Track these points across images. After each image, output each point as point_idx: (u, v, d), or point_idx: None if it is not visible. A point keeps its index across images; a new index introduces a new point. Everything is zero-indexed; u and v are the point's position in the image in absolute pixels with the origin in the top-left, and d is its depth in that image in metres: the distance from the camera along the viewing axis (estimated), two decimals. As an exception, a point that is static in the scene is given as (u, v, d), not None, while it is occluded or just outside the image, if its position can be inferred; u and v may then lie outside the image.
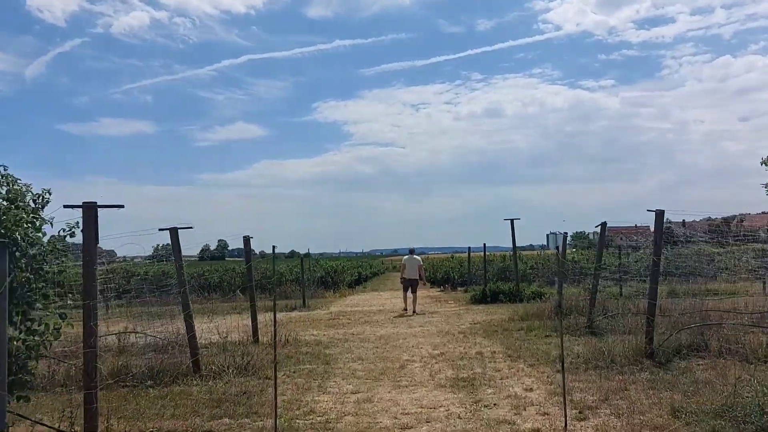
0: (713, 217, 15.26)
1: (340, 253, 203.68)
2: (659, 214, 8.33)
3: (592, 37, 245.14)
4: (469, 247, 25.24)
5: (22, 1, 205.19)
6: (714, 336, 8.44)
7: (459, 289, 26.13)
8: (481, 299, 19.16)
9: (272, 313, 5.61)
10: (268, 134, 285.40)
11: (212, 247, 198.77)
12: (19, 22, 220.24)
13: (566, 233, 14.12)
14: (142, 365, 7.88)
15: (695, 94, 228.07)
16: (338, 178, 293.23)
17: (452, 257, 43.06)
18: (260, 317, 11.02)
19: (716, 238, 12.37)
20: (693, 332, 8.60)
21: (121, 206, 5.22)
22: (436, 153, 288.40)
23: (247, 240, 11.09)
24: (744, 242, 13.09)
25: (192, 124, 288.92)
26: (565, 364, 5.91)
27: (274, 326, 5.72)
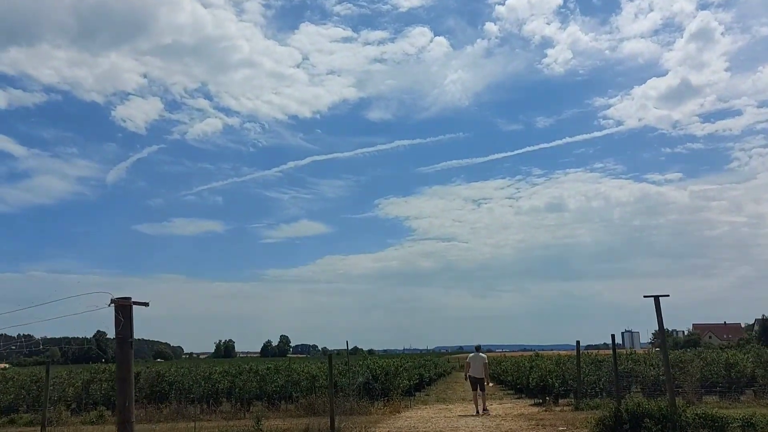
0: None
1: (404, 350, 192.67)
2: None
3: (655, 132, 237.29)
4: (578, 341, 17.55)
5: (107, 113, 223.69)
6: None
7: (561, 401, 18.32)
8: (614, 427, 11.65)
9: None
10: (331, 231, 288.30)
11: (274, 343, 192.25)
12: (104, 132, 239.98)
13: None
14: None
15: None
16: (401, 272, 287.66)
17: (537, 355, 34.74)
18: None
19: None
20: None
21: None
22: (499, 248, 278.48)
23: (119, 308, 4.66)
24: None
25: (258, 222, 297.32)
26: None
27: None
